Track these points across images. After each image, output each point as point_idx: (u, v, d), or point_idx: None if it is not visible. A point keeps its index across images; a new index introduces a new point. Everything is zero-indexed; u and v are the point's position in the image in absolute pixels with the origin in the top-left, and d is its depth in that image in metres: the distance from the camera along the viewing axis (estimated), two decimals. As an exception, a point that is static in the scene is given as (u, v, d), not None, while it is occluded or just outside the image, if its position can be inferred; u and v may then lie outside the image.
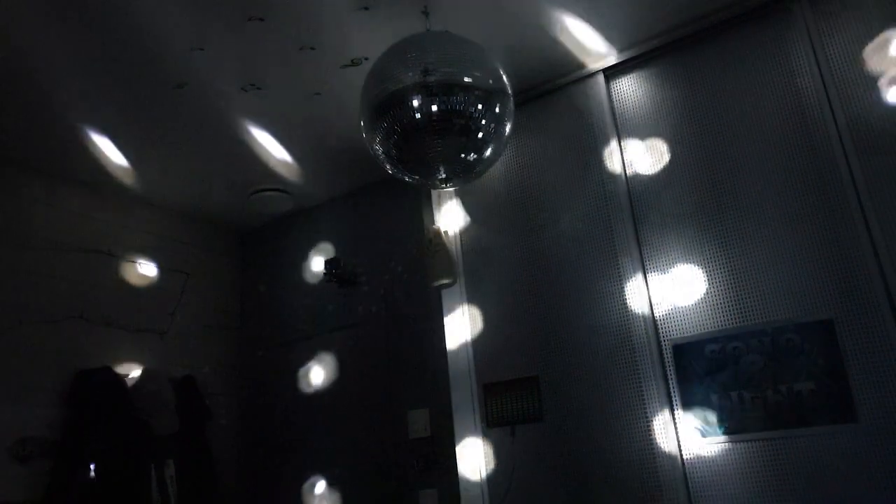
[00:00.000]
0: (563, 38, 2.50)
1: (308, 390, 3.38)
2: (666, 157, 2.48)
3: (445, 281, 2.84)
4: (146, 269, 3.37)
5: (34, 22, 2.13)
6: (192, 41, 2.30)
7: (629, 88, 2.63)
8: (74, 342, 2.94)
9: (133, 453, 2.85)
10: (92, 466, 2.71)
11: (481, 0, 2.24)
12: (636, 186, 2.52)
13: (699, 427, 2.18)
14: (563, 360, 2.50)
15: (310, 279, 3.56)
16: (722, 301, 2.24)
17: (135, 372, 3.11)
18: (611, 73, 2.67)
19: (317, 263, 3.54)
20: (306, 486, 3.24)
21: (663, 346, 2.31)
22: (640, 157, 2.54)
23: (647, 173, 2.51)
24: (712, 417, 2.16)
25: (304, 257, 3.64)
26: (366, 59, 2.46)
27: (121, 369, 3.02)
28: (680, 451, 2.19)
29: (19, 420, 2.67)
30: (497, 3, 2.26)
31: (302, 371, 3.44)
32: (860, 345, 1.98)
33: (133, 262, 3.31)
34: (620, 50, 2.60)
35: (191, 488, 3.06)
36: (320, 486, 3.19)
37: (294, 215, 3.76)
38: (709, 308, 2.26)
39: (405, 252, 3.21)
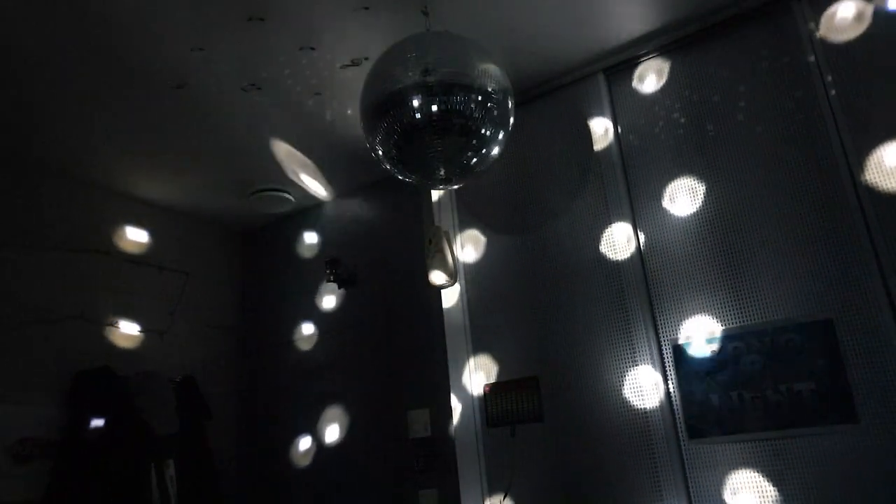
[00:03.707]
0: (563, 38, 2.50)
1: (308, 391, 3.38)
2: (666, 157, 2.48)
3: (445, 281, 2.84)
4: (146, 269, 3.37)
5: (33, 21, 2.13)
6: (192, 41, 2.30)
7: (629, 88, 2.63)
8: (74, 342, 2.94)
9: (133, 453, 2.85)
10: (92, 466, 2.71)
11: (481, 0, 2.24)
12: (636, 186, 2.52)
13: (699, 427, 2.18)
14: (562, 361, 2.50)
15: (310, 279, 3.56)
16: (722, 301, 2.24)
17: (135, 372, 3.10)
18: (611, 72, 2.67)
19: (317, 263, 3.54)
20: (306, 486, 3.24)
21: (663, 346, 2.31)
22: (639, 157, 2.54)
23: (646, 173, 2.51)
24: (712, 417, 2.16)
25: (304, 257, 3.65)
26: (366, 59, 2.47)
27: (121, 369, 3.02)
28: (680, 451, 2.19)
29: (19, 420, 2.67)
30: (497, 2, 2.26)
31: (302, 371, 3.45)
32: (860, 345, 1.98)
33: (133, 262, 3.31)
34: (620, 50, 2.60)
35: (191, 488, 3.06)
36: (320, 486, 3.19)
37: (294, 215, 3.76)
38: (709, 308, 2.26)
39: (405, 252, 3.21)
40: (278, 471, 3.37)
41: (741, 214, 2.27)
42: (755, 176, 2.27)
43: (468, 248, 2.88)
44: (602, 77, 2.66)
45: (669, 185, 2.45)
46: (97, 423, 2.82)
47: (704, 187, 2.36)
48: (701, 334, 2.25)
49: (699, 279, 2.30)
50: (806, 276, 2.11)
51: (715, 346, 2.21)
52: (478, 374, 2.71)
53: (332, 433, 3.22)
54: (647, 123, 2.55)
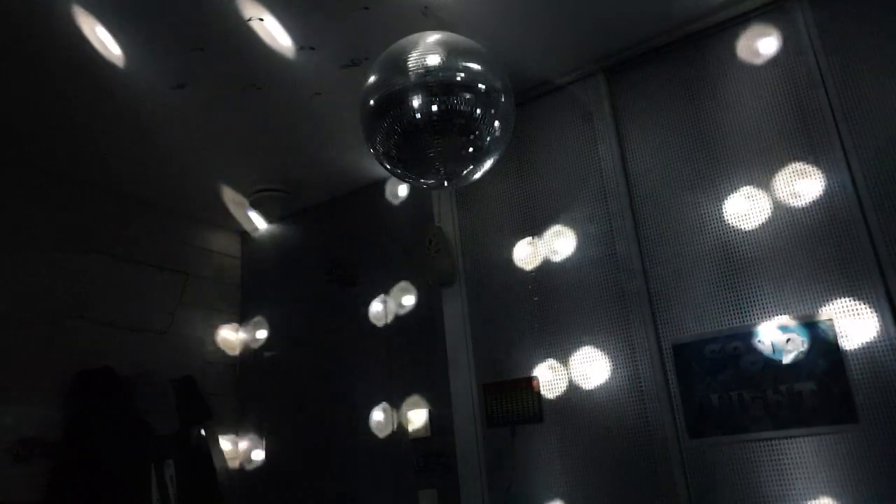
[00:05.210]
0: (563, 38, 2.50)
1: (307, 390, 3.38)
2: (667, 156, 2.48)
3: (445, 281, 2.84)
4: (146, 269, 3.36)
5: (33, 22, 2.12)
6: (192, 41, 2.30)
7: (629, 88, 2.63)
8: (74, 342, 2.94)
9: (133, 453, 2.85)
10: (92, 466, 2.71)
11: (481, 0, 2.24)
12: (636, 186, 2.52)
13: (699, 427, 2.18)
14: (562, 361, 2.50)
15: (310, 279, 3.56)
16: (722, 301, 2.23)
17: (135, 372, 3.10)
18: (611, 72, 2.67)
19: (317, 263, 3.54)
20: (305, 485, 3.24)
21: (663, 346, 2.31)
22: (640, 157, 2.54)
23: (647, 172, 2.51)
24: (712, 417, 2.16)
25: (304, 257, 3.64)
26: (366, 59, 2.47)
27: (121, 369, 3.02)
28: (680, 450, 2.19)
29: (19, 420, 2.67)
30: (497, 2, 2.26)
31: (301, 371, 3.44)
32: (860, 345, 1.98)
33: (133, 262, 3.31)
34: (620, 50, 2.60)
35: (191, 488, 3.06)
36: (319, 486, 3.19)
37: (294, 215, 3.76)
38: (709, 308, 2.26)
39: (405, 252, 3.21)
40: (277, 470, 3.37)
41: (742, 215, 2.27)
42: (755, 176, 2.27)
43: (468, 247, 2.88)
44: (602, 77, 2.66)
45: (670, 185, 2.44)
46: (97, 423, 2.82)
47: (705, 185, 2.36)
48: (701, 334, 2.25)
49: (699, 279, 2.30)
50: (806, 276, 2.11)
51: (715, 346, 2.21)
52: (477, 374, 2.70)
53: (331, 433, 3.22)
54: (648, 124, 2.55)
